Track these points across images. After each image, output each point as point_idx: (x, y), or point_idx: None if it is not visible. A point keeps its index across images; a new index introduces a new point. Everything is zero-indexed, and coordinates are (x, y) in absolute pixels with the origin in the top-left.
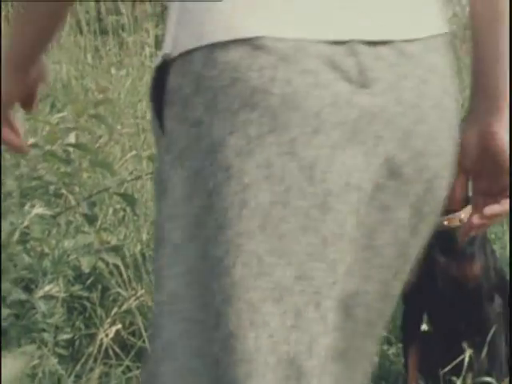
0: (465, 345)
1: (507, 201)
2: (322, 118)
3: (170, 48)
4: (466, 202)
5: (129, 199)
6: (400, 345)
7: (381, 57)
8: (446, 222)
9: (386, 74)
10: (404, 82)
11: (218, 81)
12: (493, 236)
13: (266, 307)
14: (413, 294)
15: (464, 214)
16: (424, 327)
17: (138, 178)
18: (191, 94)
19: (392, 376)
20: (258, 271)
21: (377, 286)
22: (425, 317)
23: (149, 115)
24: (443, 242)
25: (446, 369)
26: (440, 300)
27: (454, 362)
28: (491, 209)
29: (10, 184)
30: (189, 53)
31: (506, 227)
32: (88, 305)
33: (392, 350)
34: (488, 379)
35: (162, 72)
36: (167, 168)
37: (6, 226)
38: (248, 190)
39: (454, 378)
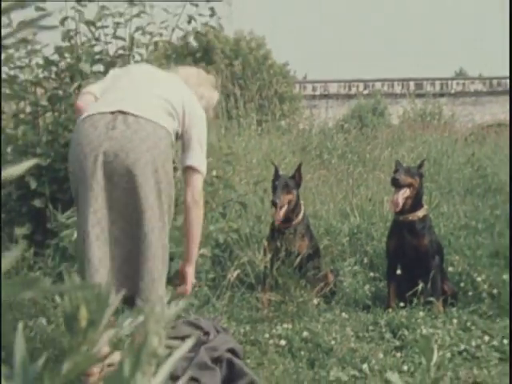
0: (419, 281)
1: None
2: (90, 138)
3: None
4: (413, 206)
5: (243, 204)
6: (385, 281)
7: (124, 120)
8: (410, 217)
9: (122, 126)
10: (128, 129)
11: (76, 126)
12: None
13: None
14: (393, 254)
15: (420, 212)
16: (398, 272)
17: (246, 194)
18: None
19: (381, 298)
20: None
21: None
22: (399, 266)
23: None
24: (409, 227)
25: (409, 293)
26: (407, 258)
27: (413, 290)
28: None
29: None
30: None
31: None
32: (222, 260)
33: (382, 284)
34: (431, 299)
35: None
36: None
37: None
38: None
39: (413, 298)
